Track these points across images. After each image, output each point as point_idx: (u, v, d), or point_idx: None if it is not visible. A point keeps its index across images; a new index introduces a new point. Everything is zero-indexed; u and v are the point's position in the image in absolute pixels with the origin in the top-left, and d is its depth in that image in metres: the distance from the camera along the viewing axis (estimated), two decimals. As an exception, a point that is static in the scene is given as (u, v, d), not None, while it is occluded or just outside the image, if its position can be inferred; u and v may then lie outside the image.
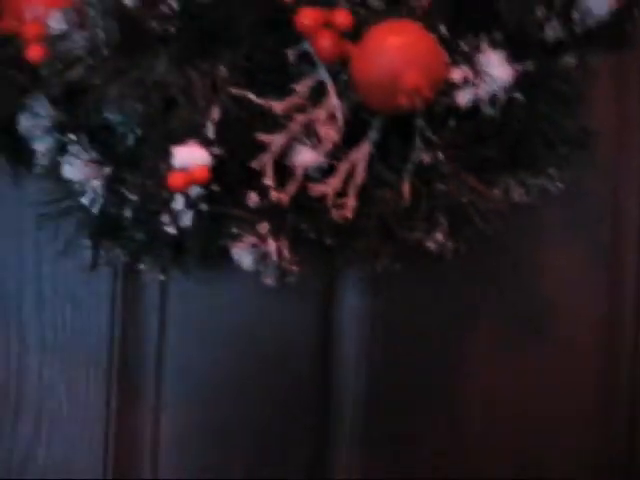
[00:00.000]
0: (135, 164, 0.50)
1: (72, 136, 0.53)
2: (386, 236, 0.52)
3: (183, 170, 0.46)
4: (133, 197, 0.53)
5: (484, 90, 0.51)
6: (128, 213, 0.55)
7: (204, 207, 0.48)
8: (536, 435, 0.71)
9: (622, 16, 0.52)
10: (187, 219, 0.48)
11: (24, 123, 0.55)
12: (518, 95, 0.52)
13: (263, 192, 0.49)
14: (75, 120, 0.53)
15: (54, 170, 0.56)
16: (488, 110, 0.52)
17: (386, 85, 0.48)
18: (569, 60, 0.56)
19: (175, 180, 0.46)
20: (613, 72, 0.73)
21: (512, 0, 0.49)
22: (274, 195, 0.48)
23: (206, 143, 0.47)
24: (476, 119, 0.52)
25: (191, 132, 0.47)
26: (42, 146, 0.55)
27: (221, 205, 0.48)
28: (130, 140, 0.53)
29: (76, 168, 0.54)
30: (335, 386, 0.69)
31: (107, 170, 0.52)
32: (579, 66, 0.57)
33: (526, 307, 0.70)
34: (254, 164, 0.49)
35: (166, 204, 0.48)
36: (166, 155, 0.47)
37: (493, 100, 0.52)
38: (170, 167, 0.47)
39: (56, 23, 0.49)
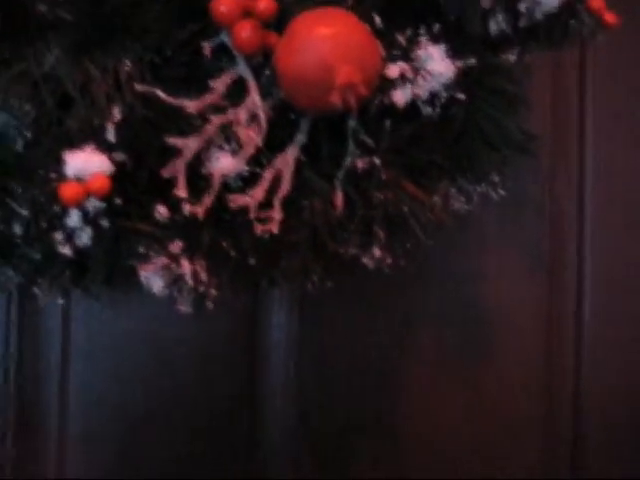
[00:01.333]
0: (25, 173, 0.42)
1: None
2: (317, 252, 0.46)
3: (78, 180, 0.39)
4: (23, 212, 0.45)
5: (423, 88, 0.46)
6: (18, 230, 0.47)
7: (105, 223, 0.41)
8: (481, 456, 0.67)
9: (568, 10, 0.48)
10: (85, 237, 0.41)
11: None
12: (459, 94, 0.47)
13: (175, 205, 0.42)
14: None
15: None
16: (427, 110, 0.47)
17: (316, 81, 0.43)
18: (509, 57, 0.52)
19: (68, 192, 0.39)
20: (549, 72, 0.70)
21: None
22: (188, 208, 0.41)
23: (106, 148, 0.40)
24: (414, 120, 0.47)
25: (89, 135, 0.40)
26: None
27: (126, 220, 0.41)
28: (18, 145, 0.45)
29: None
30: (263, 414, 0.63)
31: None
32: (518, 64, 0.53)
33: (466, 319, 0.66)
34: (164, 172, 0.42)
35: (59, 220, 0.40)
36: (59, 162, 0.40)
37: (432, 99, 0.47)
38: (63, 176, 0.39)
39: None
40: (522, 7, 0.45)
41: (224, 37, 0.47)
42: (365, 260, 0.46)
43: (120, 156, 0.41)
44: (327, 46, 0.43)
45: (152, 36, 0.46)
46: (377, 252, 0.46)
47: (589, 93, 0.70)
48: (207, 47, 0.47)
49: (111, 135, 0.40)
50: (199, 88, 0.46)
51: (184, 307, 0.43)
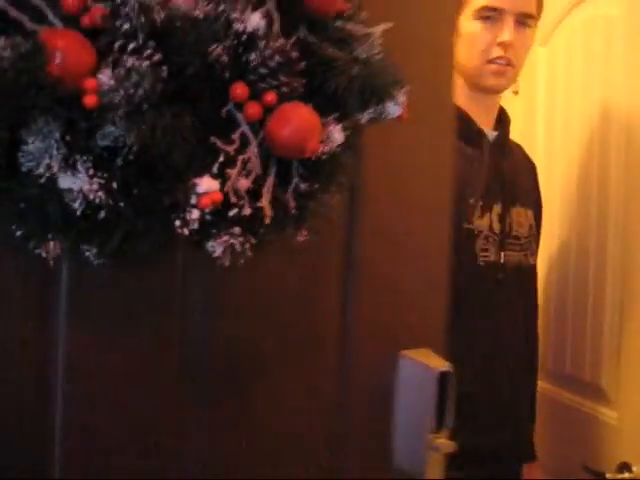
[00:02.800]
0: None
1: (79, 157, 0.72)
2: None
3: (206, 194, 0.72)
4: (124, 205, 0.75)
5: (330, 146, 0.88)
6: (102, 215, 0.76)
7: (208, 217, 0.74)
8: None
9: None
10: (196, 224, 0.74)
11: (34, 142, 0.70)
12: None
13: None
14: (83, 142, 0.72)
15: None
16: (324, 157, 0.89)
17: (297, 146, 0.82)
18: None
19: (207, 201, 0.72)
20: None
21: (352, 97, 0.87)
22: (246, 209, 0.77)
23: (213, 176, 0.74)
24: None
25: (203, 168, 0.73)
26: (46, 161, 0.71)
27: (215, 216, 0.75)
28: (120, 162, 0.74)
29: (78, 180, 0.72)
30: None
31: (114, 185, 0.73)
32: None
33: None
34: (225, 189, 0.77)
35: (187, 214, 0.73)
36: (193, 185, 0.72)
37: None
38: (197, 192, 0.72)
39: (106, 79, 0.69)
40: (378, 110, 0.89)
41: (230, 106, 0.82)
42: (299, 237, 0.87)
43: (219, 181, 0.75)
44: (303, 125, 0.82)
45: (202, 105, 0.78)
46: (305, 232, 0.87)
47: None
48: (224, 111, 0.81)
49: (216, 169, 0.74)
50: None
51: (226, 262, 0.78)
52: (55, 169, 0.70)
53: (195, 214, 0.73)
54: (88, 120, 0.71)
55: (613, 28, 2.06)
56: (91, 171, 0.72)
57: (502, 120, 1.95)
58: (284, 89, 0.82)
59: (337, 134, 0.88)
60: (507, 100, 2.64)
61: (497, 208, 1.83)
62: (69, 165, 0.72)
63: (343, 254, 1.11)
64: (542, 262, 2.30)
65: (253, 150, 0.81)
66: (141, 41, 0.71)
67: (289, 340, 1.05)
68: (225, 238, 0.76)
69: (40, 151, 0.70)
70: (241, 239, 0.77)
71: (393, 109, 0.89)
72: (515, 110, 2.53)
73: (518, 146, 2.08)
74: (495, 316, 1.81)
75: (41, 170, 0.71)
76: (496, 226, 1.81)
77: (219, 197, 0.73)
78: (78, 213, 0.74)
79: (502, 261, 1.81)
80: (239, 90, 0.80)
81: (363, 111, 0.88)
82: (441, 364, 1.16)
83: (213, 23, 0.77)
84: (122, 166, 0.73)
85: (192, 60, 0.76)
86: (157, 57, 0.72)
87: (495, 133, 1.91)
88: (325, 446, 1.09)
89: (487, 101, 1.89)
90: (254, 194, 0.81)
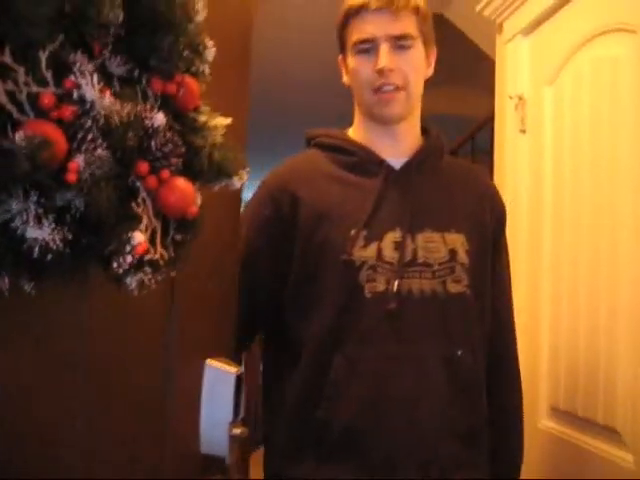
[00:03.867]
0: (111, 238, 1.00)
1: (50, 217, 0.97)
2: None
3: (139, 244, 1.03)
4: (70, 251, 1.01)
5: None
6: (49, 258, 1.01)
7: (135, 261, 1.04)
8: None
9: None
10: (127, 264, 1.03)
11: (16, 204, 0.94)
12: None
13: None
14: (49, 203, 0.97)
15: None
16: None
17: (180, 209, 1.14)
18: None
19: (140, 249, 1.02)
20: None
21: (210, 174, 1.22)
22: (155, 255, 1.08)
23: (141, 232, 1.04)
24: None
25: (132, 224, 1.03)
26: (21, 217, 0.95)
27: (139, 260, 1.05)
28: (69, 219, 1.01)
29: (43, 231, 0.97)
30: None
31: (69, 235, 0.99)
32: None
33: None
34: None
35: (122, 258, 1.02)
36: (129, 238, 1.02)
37: (189, 211, 1.23)
38: (132, 244, 1.02)
39: (81, 162, 0.96)
40: (226, 182, 1.25)
41: (133, 177, 1.11)
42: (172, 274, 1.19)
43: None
44: (185, 195, 1.15)
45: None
46: (174, 272, 1.19)
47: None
48: (130, 181, 1.10)
49: (143, 227, 1.04)
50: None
51: (135, 291, 1.08)
52: (31, 224, 0.95)
53: (129, 259, 1.02)
54: (58, 189, 0.97)
55: (620, 68, 2.05)
56: (53, 225, 0.97)
57: (426, 144, 1.90)
58: (172, 167, 1.15)
59: (198, 199, 1.22)
60: (514, 138, 2.68)
61: (393, 235, 1.76)
62: (38, 220, 0.96)
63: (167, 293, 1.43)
64: (550, 299, 2.26)
65: (149, 211, 1.12)
66: (96, 134, 0.99)
67: (126, 357, 1.34)
68: (140, 275, 1.06)
69: (19, 210, 0.94)
70: (150, 276, 1.08)
71: (237, 182, 1.26)
72: (522, 148, 2.64)
73: (465, 169, 2.01)
74: (386, 346, 1.73)
75: (18, 224, 0.95)
76: (389, 254, 1.74)
77: (147, 247, 1.03)
78: (35, 256, 0.98)
79: (395, 290, 1.71)
80: (142, 167, 1.11)
81: (216, 183, 1.24)
82: (235, 369, 1.53)
83: (133, 119, 1.07)
84: (71, 222, 1.00)
85: (119, 146, 1.05)
86: (105, 145, 1.01)
87: (404, 160, 1.87)
88: (152, 439, 1.39)
89: (390, 131, 1.86)
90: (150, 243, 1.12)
